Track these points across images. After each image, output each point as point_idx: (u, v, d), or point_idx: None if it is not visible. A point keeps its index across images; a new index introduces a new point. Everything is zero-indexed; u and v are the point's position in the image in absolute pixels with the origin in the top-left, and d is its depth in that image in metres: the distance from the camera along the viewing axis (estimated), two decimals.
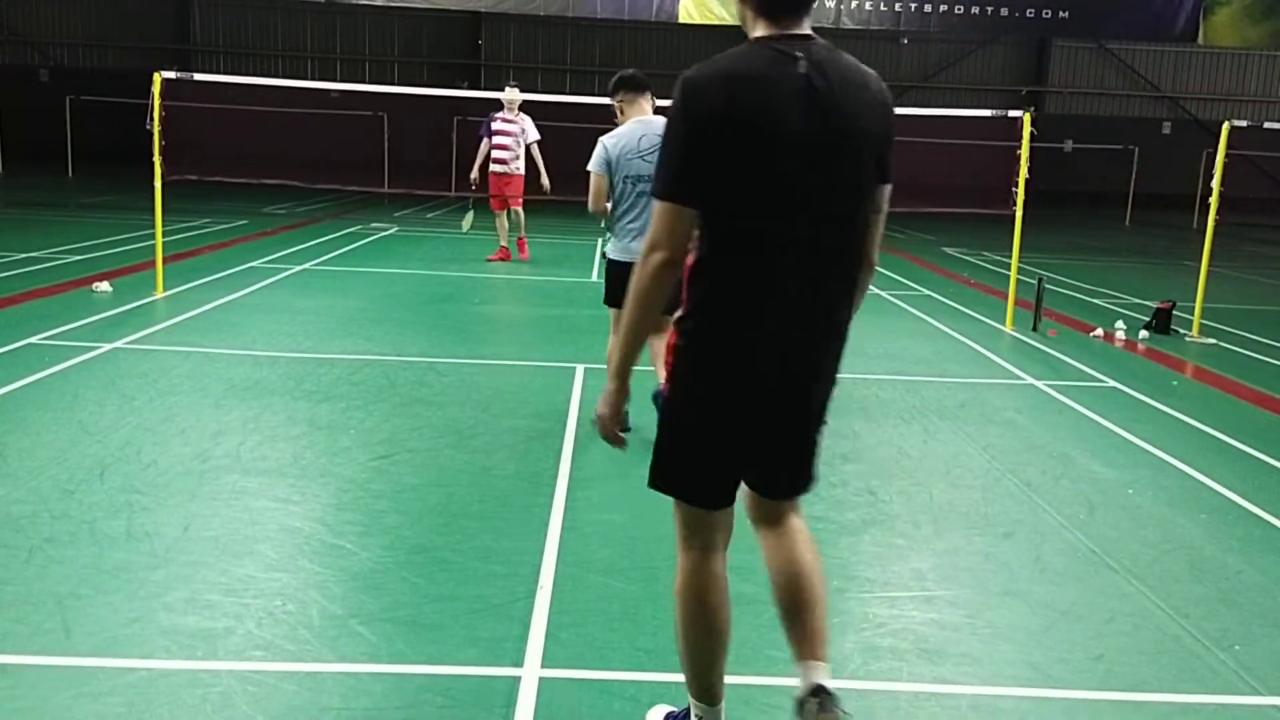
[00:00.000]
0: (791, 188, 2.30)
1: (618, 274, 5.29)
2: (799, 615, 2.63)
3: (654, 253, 2.32)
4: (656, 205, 2.34)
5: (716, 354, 2.41)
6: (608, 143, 5.42)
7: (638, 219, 5.36)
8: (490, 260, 13.00)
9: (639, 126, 5.43)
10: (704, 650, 2.61)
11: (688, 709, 2.69)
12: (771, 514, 2.72)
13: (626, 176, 5.40)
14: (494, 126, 12.46)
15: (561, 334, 8.66)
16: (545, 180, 12.37)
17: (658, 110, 5.41)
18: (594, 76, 31.60)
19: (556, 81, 31.14)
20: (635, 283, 2.36)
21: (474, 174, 12.78)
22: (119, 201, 19.22)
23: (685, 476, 2.60)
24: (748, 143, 2.27)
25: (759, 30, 2.40)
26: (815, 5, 2.43)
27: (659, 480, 2.64)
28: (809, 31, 2.37)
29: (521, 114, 12.45)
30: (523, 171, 12.62)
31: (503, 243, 13.04)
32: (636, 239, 5.28)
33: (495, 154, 12.50)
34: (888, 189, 2.49)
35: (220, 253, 12.83)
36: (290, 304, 9.28)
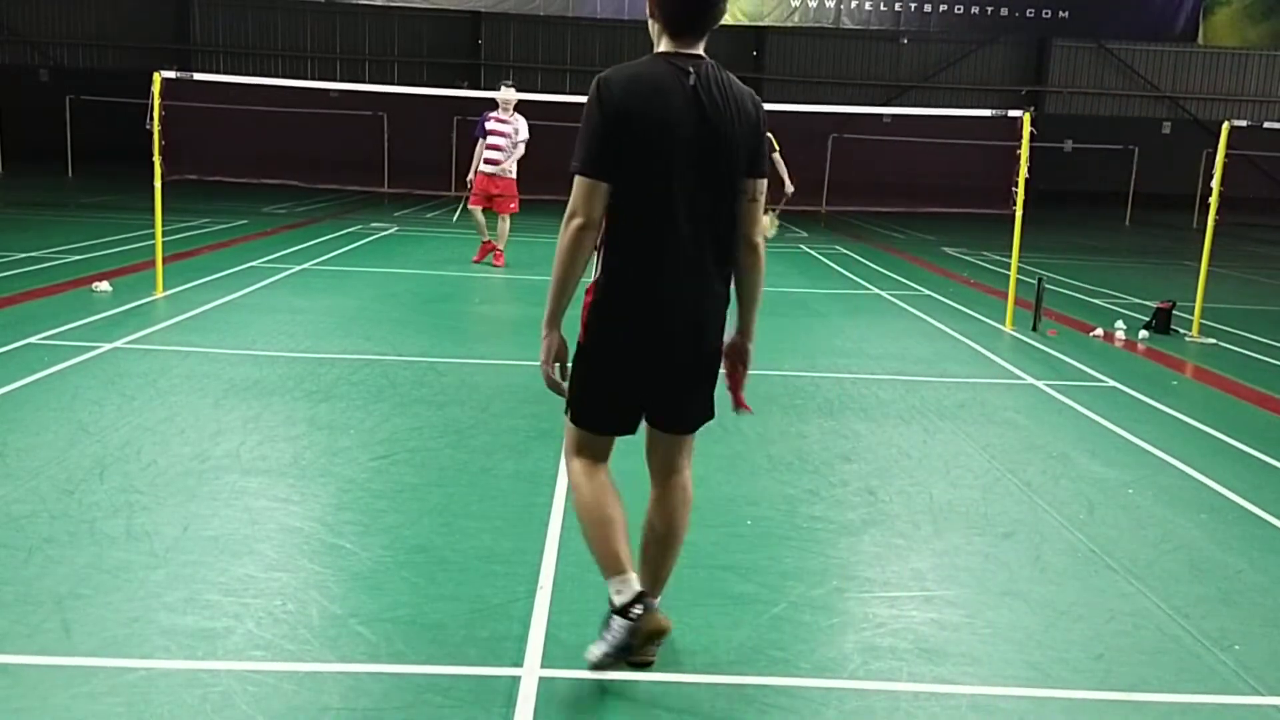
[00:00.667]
0: (679, 174, 2.85)
1: None
2: (656, 562, 3.20)
3: (573, 219, 2.85)
4: (576, 180, 2.83)
5: (626, 305, 2.95)
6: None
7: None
8: (476, 261, 12.74)
9: None
10: (602, 535, 3.03)
11: (610, 611, 3.01)
12: (667, 466, 3.16)
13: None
14: (488, 126, 12.22)
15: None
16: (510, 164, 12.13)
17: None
18: (594, 76, 31.63)
19: (556, 81, 31.14)
20: (559, 245, 2.90)
21: (471, 176, 12.51)
22: (119, 201, 19.23)
23: (596, 412, 3.10)
24: (647, 136, 2.81)
25: (662, 46, 2.94)
26: (711, 29, 2.94)
27: (575, 416, 3.12)
28: (700, 52, 2.92)
29: (516, 114, 12.20)
30: (514, 175, 12.34)
31: (484, 237, 12.66)
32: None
33: (487, 154, 12.21)
34: (761, 182, 3.00)
35: (220, 252, 12.83)
36: (290, 304, 9.28)
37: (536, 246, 15.76)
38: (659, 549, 3.17)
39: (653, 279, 2.91)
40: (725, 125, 2.86)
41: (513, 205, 12.52)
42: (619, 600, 2.95)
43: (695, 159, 2.85)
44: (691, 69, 2.85)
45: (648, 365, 2.99)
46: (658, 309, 2.93)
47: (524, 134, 12.16)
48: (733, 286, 3.08)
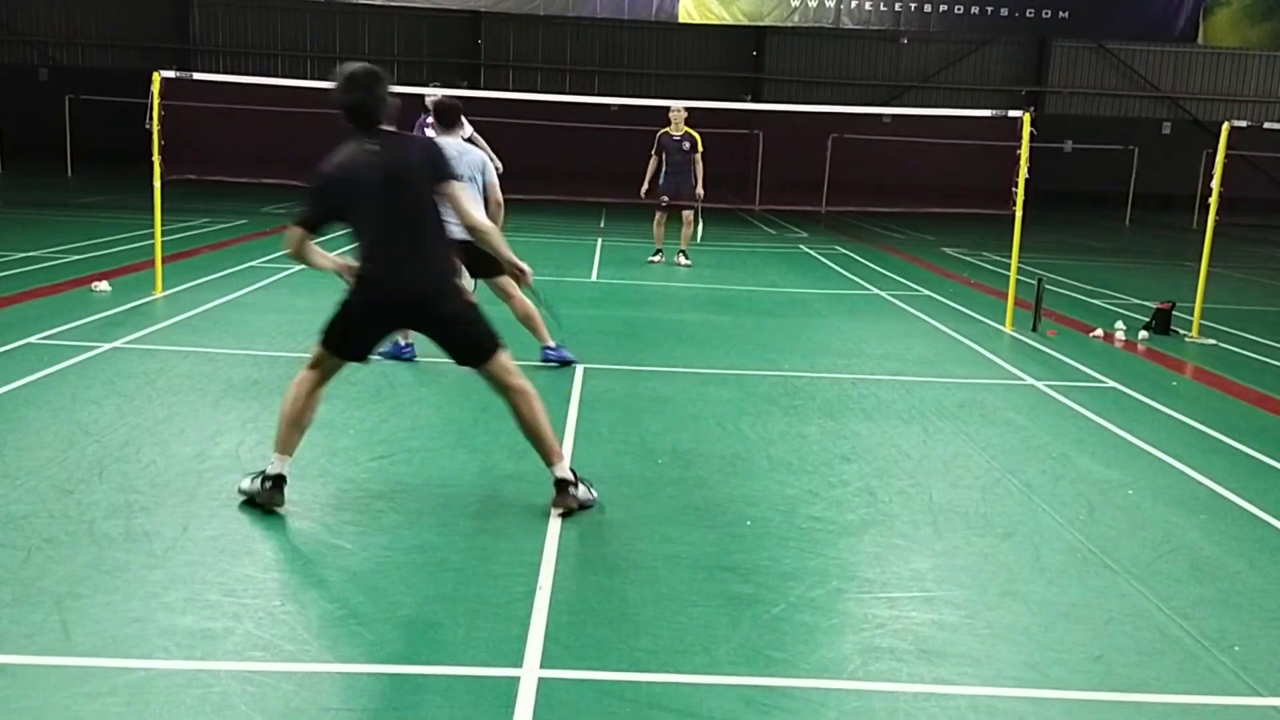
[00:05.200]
0: (370, 207, 4.25)
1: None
2: (534, 444, 4.48)
3: (290, 241, 4.33)
4: (291, 226, 4.32)
5: (364, 283, 4.31)
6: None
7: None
8: None
9: (454, 144, 6.81)
10: (289, 423, 4.36)
11: (260, 472, 4.39)
12: (497, 387, 4.47)
13: None
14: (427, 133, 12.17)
15: (561, 334, 8.65)
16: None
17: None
18: (594, 76, 31.62)
19: (556, 81, 31.14)
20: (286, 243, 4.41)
21: None
22: (119, 201, 19.23)
23: (337, 341, 4.40)
24: (343, 190, 4.28)
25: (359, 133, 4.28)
26: (378, 116, 4.25)
27: (321, 339, 4.40)
28: (384, 128, 4.26)
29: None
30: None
31: None
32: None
33: None
34: (454, 183, 4.37)
35: (219, 252, 12.83)
36: (290, 303, 9.28)
37: (537, 246, 15.76)
38: (528, 434, 4.47)
39: (376, 268, 4.29)
40: (398, 168, 4.24)
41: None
42: (269, 470, 4.32)
43: (377, 195, 4.23)
44: (371, 144, 4.24)
45: (371, 320, 4.39)
46: (383, 284, 4.29)
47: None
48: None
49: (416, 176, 4.30)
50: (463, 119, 7.35)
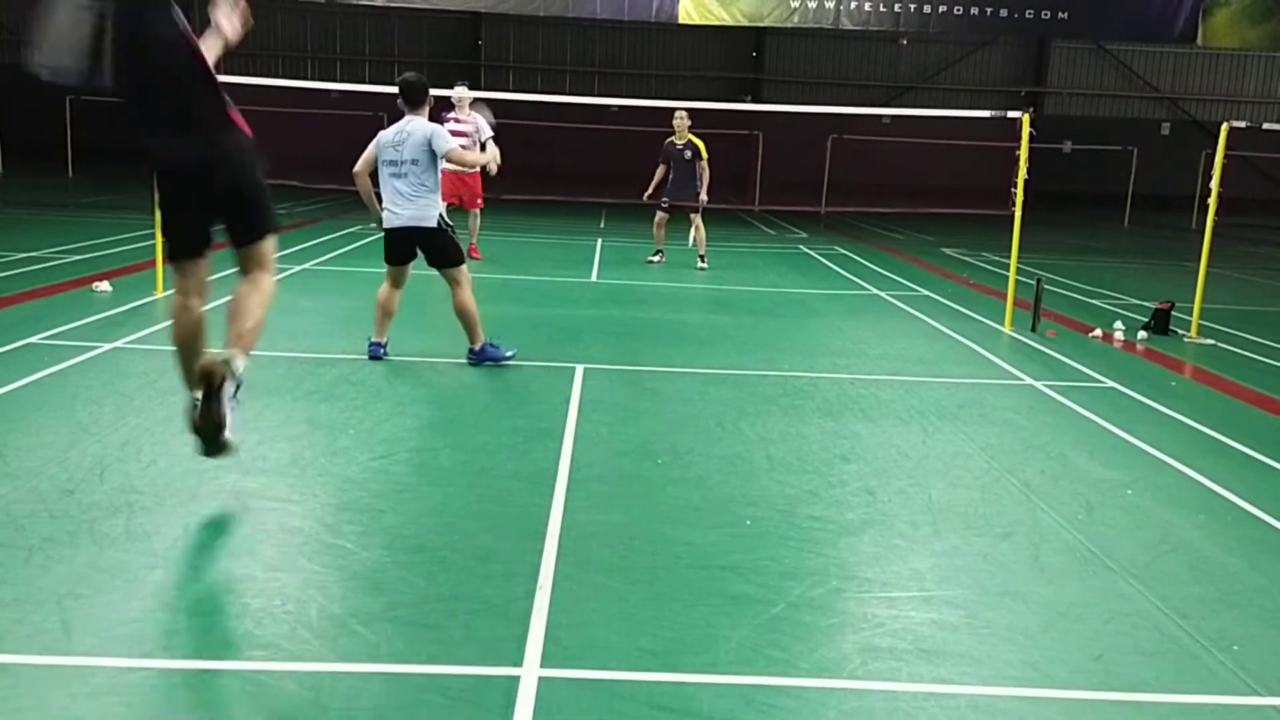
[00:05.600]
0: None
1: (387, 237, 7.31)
2: (230, 323, 4.25)
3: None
4: None
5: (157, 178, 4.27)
6: (381, 133, 7.27)
7: (385, 190, 7.16)
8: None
9: (403, 123, 7.13)
10: (181, 357, 4.34)
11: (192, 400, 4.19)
12: (245, 267, 4.37)
13: (381, 160, 7.19)
14: (447, 129, 12.17)
15: (561, 334, 8.67)
16: (487, 156, 11.93)
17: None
18: (594, 76, 31.62)
19: (556, 81, 31.15)
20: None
21: None
22: (119, 201, 19.22)
23: (167, 245, 4.46)
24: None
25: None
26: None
27: (165, 253, 4.51)
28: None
29: (474, 112, 12.13)
30: (478, 171, 12.45)
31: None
32: (384, 208, 7.18)
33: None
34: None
35: (219, 252, 12.80)
36: (290, 304, 9.27)
37: (537, 247, 15.79)
38: (229, 312, 4.34)
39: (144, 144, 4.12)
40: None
41: (479, 201, 12.93)
42: (192, 399, 4.15)
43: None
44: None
45: (177, 206, 4.33)
46: (169, 168, 4.20)
47: (487, 130, 12.02)
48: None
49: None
50: (434, 99, 7.49)
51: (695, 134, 13.45)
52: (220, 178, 4.15)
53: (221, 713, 2.85)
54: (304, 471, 4.85)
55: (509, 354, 7.23)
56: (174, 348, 4.38)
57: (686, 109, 13.16)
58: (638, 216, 17.02)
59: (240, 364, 4.11)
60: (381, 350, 7.26)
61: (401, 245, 7.23)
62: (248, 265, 4.36)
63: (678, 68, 31.84)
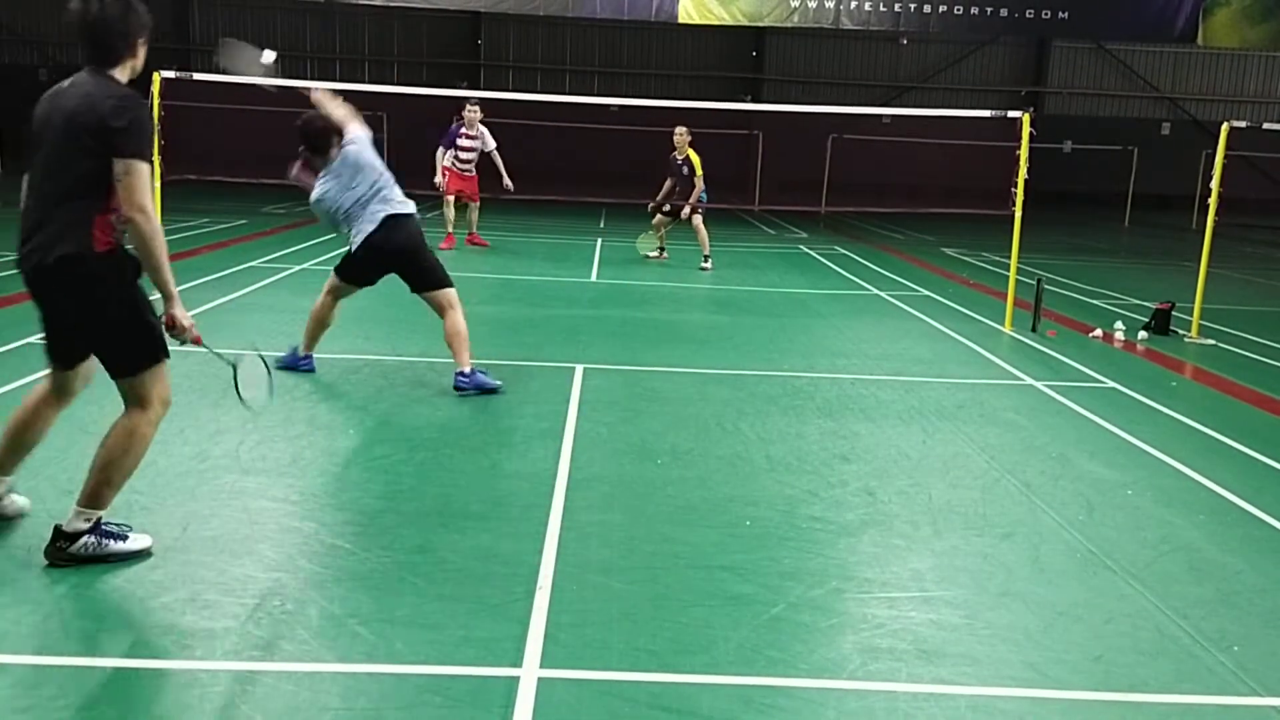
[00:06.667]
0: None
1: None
2: (90, 469, 3.83)
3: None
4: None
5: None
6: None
7: (362, 217, 6.61)
8: (441, 248, 13.07)
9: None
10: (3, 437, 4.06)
11: None
12: (122, 396, 3.90)
13: (336, 196, 6.80)
14: (459, 141, 14.14)
15: (561, 334, 8.67)
16: (508, 181, 14.08)
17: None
18: (594, 76, 31.61)
19: (556, 81, 31.13)
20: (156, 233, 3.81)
21: (437, 178, 14.20)
22: None
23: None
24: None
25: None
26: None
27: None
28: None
29: (480, 128, 14.23)
30: (476, 174, 14.51)
31: (450, 230, 14.43)
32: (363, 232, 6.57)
33: (461, 160, 14.23)
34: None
35: (219, 252, 12.83)
36: (290, 304, 9.27)
37: (537, 247, 15.79)
38: (95, 468, 3.86)
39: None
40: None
41: (477, 197, 14.70)
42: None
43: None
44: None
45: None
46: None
47: (491, 143, 14.27)
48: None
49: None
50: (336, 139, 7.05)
51: (695, 137, 13.82)
52: (66, 317, 3.93)
53: (221, 713, 2.85)
54: (303, 471, 4.85)
55: (497, 384, 6.50)
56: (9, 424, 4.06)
57: (686, 125, 13.69)
58: (638, 216, 17.02)
59: (81, 526, 3.68)
60: (310, 363, 6.82)
61: (381, 267, 6.64)
62: (125, 399, 3.92)
63: (677, 67, 31.83)
